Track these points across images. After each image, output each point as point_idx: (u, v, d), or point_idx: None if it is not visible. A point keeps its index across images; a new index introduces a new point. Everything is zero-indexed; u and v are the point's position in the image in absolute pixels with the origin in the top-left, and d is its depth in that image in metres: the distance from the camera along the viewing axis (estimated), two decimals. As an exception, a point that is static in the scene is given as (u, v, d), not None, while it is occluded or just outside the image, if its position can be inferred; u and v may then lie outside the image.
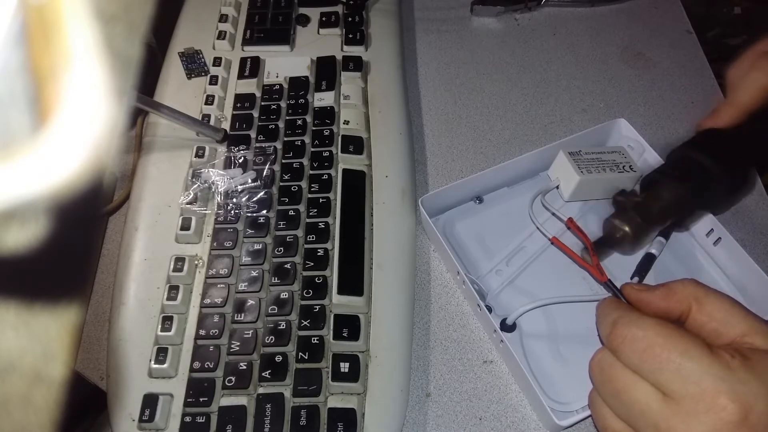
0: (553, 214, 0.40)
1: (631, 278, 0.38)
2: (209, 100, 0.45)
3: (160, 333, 0.35)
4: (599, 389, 0.29)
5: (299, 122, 0.44)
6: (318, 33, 0.50)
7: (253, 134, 0.43)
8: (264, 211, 0.39)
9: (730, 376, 0.25)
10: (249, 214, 0.39)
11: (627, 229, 0.36)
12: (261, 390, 0.34)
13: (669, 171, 0.37)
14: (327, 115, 0.44)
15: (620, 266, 0.39)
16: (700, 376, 0.25)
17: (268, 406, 0.33)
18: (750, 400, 0.24)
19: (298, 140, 0.43)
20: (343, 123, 0.43)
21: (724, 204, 0.39)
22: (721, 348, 0.26)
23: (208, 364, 0.34)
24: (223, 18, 0.50)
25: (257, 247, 0.38)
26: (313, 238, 0.38)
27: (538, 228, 0.40)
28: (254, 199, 0.40)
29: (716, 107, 0.37)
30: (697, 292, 0.29)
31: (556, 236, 0.38)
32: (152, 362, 0.34)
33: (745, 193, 0.42)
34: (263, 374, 0.34)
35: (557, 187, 0.42)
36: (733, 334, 0.28)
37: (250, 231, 0.38)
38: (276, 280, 0.37)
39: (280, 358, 0.34)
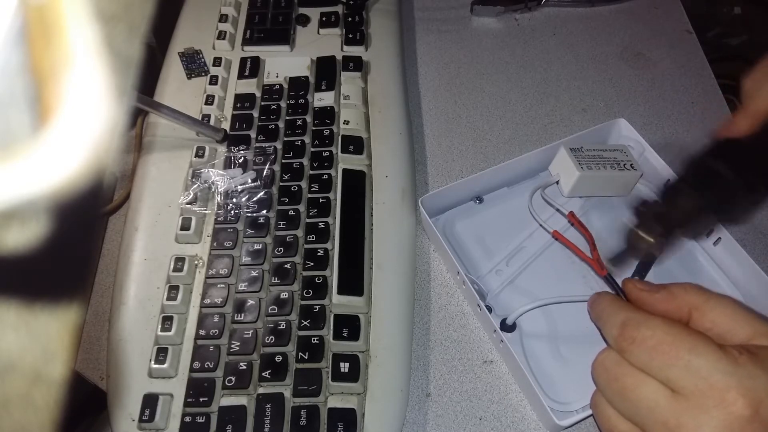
0: (557, 210, 0.40)
1: (632, 278, 0.38)
2: (209, 100, 0.45)
3: (160, 333, 0.35)
4: (604, 389, 0.29)
5: (299, 122, 0.44)
6: (318, 33, 0.50)
7: (253, 134, 0.43)
8: (264, 211, 0.39)
9: (738, 371, 0.25)
10: (249, 214, 0.39)
11: (653, 240, 0.36)
12: (261, 390, 0.34)
13: (691, 182, 0.37)
14: (327, 115, 0.44)
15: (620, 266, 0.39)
16: (708, 372, 0.25)
17: (268, 406, 0.33)
18: (760, 394, 0.25)
19: (298, 140, 0.43)
20: (343, 123, 0.43)
21: (744, 214, 0.39)
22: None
23: (208, 364, 0.34)
24: (223, 18, 0.50)
25: (257, 247, 0.38)
26: (313, 238, 0.38)
27: (539, 223, 0.40)
28: (254, 199, 0.40)
29: (732, 117, 0.37)
30: (698, 300, 0.29)
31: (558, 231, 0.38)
32: (152, 362, 0.34)
33: (763, 202, 0.43)
34: (263, 374, 0.34)
35: (557, 183, 0.42)
36: (737, 339, 0.28)
37: (250, 231, 0.38)
38: (276, 280, 0.37)
39: (280, 358, 0.34)
